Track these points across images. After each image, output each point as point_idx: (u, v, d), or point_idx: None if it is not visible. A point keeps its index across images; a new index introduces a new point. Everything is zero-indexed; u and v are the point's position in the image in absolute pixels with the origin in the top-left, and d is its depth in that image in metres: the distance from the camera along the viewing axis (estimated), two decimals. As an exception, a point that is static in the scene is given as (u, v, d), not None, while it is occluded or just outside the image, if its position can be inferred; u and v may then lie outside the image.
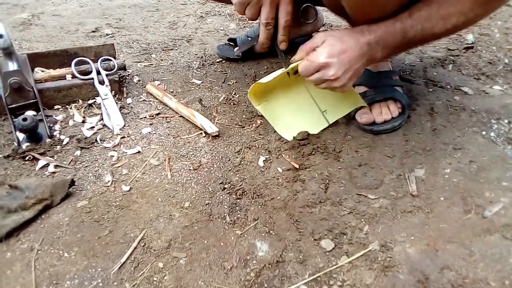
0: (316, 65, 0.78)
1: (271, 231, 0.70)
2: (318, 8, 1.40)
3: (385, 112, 0.94)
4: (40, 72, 1.06)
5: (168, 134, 0.95)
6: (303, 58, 0.81)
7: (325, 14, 1.47)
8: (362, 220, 0.72)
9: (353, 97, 0.93)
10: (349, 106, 0.95)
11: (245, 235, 0.69)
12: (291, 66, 0.84)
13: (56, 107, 1.04)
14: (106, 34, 1.53)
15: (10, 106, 0.95)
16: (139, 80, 1.18)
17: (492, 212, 0.72)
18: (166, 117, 1.01)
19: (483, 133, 0.92)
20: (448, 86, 1.11)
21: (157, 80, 1.19)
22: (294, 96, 0.94)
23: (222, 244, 0.68)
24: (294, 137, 0.91)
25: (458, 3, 0.74)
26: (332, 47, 0.77)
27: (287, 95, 0.94)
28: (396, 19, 0.77)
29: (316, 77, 0.80)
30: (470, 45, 1.35)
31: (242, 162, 0.86)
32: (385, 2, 0.75)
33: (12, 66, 0.99)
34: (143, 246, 0.68)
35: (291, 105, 0.94)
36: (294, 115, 0.94)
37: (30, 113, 0.96)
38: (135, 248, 0.67)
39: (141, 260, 0.65)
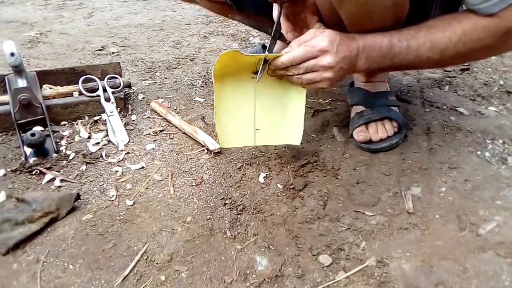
0: (317, 50, 0.75)
1: (270, 246, 0.72)
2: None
3: (381, 130, 0.97)
4: (48, 89, 1.10)
5: (171, 151, 0.98)
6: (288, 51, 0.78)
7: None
8: (359, 236, 0.74)
9: (294, 128, 0.89)
10: (283, 139, 0.92)
11: (245, 250, 0.71)
12: (273, 54, 0.80)
13: (62, 123, 1.07)
14: (112, 52, 1.58)
15: (18, 122, 0.98)
16: (143, 98, 1.22)
17: (486, 230, 0.74)
18: (170, 133, 1.04)
19: (478, 153, 0.94)
20: (445, 107, 1.14)
21: (161, 97, 1.22)
22: (241, 97, 0.88)
23: (222, 258, 0.70)
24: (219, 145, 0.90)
25: (449, 29, 0.75)
26: (332, 36, 0.76)
27: (238, 92, 0.87)
28: (386, 32, 0.79)
29: (308, 64, 0.77)
30: (466, 67, 1.39)
31: (243, 179, 0.88)
32: (381, 15, 0.77)
33: (21, 83, 1.02)
34: (146, 259, 0.69)
35: (234, 103, 0.88)
36: (230, 117, 0.88)
37: (37, 128, 0.99)
38: (138, 261, 0.69)
39: (143, 273, 0.67)
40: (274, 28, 0.86)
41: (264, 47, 1.22)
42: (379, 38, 0.78)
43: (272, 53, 0.84)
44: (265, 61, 0.81)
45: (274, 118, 0.90)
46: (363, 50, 0.78)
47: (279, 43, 0.92)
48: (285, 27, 0.88)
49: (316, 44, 0.76)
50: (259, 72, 0.82)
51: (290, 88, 0.87)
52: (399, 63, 0.80)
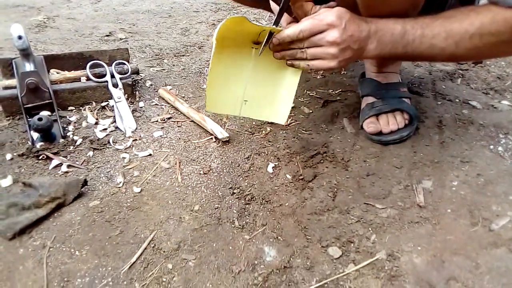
0: (324, 24, 0.72)
1: (279, 237, 0.71)
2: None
3: (392, 122, 0.95)
4: (55, 74, 1.08)
5: (179, 138, 0.97)
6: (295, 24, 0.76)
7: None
8: (370, 229, 0.72)
9: (281, 107, 0.88)
10: (269, 116, 0.90)
11: (253, 240, 0.70)
12: (279, 28, 0.78)
13: (70, 108, 1.06)
14: (120, 38, 1.56)
15: (26, 106, 0.97)
16: (151, 85, 1.20)
17: (499, 226, 0.72)
18: (178, 121, 1.03)
19: (491, 147, 0.93)
20: (457, 100, 1.12)
21: (169, 85, 1.21)
22: (237, 65, 0.85)
23: (230, 248, 0.69)
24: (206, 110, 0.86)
25: (466, 21, 0.71)
26: (341, 12, 0.73)
27: (235, 59, 0.84)
28: (399, 19, 0.76)
29: (314, 38, 0.74)
30: (479, 60, 1.36)
31: (252, 168, 0.87)
32: (397, 1, 0.75)
33: (29, 66, 1.01)
34: (153, 247, 0.69)
35: (228, 70, 0.85)
36: (222, 82, 0.85)
37: (45, 113, 0.98)
38: (145, 248, 0.68)
39: (150, 260, 0.66)
40: (282, 2, 0.83)
41: None
42: (392, 23, 0.76)
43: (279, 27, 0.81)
44: (270, 34, 0.79)
45: (264, 94, 0.89)
46: (375, 33, 0.75)
47: (286, 17, 0.89)
48: (285, 18, 0.86)
49: (324, 18, 0.73)
50: (262, 45, 0.80)
51: (287, 68, 0.85)
52: (411, 51, 0.77)
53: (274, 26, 0.79)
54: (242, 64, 0.85)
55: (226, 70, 0.84)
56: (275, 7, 0.85)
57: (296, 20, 0.84)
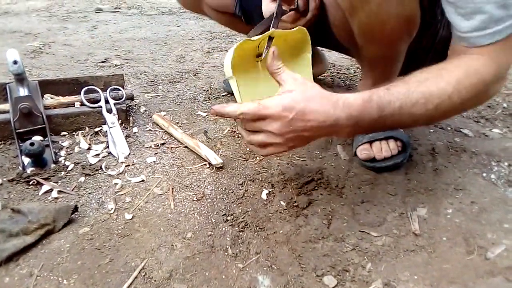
0: (266, 114, 0.65)
1: (273, 266, 0.70)
2: (323, 52, 1.45)
3: (385, 149, 0.95)
4: (49, 99, 1.08)
5: (173, 164, 0.96)
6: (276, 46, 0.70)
7: (328, 54, 1.52)
8: (365, 257, 0.71)
9: None
10: None
11: (247, 269, 0.69)
12: (278, 30, 0.76)
13: (63, 133, 1.05)
14: (115, 64, 1.58)
15: (18, 131, 0.96)
16: (145, 110, 1.20)
17: (494, 254, 0.72)
18: (171, 147, 1.03)
19: (484, 175, 0.93)
20: (449, 128, 1.14)
21: (164, 111, 1.21)
22: (252, 88, 0.82)
23: (223, 277, 0.67)
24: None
25: (441, 81, 0.67)
26: (296, 99, 0.65)
27: (249, 83, 0.81)
28: (372, 93, 0.67)
29: (256, 125, 0.68)
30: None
31: (245, 195, 0.86)
32: (393, 27, 0.74)
33: (23, 91, 1.01)
34: (144, 276, 0.67)
35: (251, 96, 0.77)
36: None
37: (37, 138, 0.97)
38: (136, 277, 0.66)
39: (141, 290, 0.64)
40: (276, 6, 0.82)
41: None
42: (368, 104, 0.66)
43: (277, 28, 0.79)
44: (270, 39, 0.75)
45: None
46: (348, 120, 0.66)
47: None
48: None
49: (269, 106, 0.65)
50: (264, 52, 0.76)
51: (294, 69, 0.78)
52: (390, 125, 0.70)
53: (273, 29, 0.77)
54: (256, 83, 0.83)
55: (249, 96, 0.79)
56: (267, 11, 0.86)
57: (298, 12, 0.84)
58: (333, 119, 0.65)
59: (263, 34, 0.75)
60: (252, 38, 0.74)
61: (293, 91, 0.66)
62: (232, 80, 0.77)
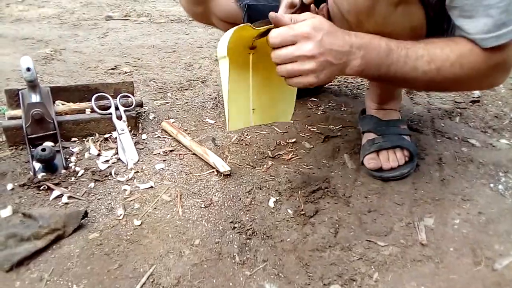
0: (295, 34, 0.67)
1: (280, 274, 0.70)
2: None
3: (392, 159, 0.96)
4: (60, 105, 1.10)
5: (181, 171, 0.97)
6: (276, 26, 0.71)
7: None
8: (372, 267, 0.72)
9: (286, 105, 0.89)
10: (275, 116, 0.93)
11: (254, 276, 0.69)
12: (263, 27, 0.73)
13: (73, 139, 1.07)
14: (125, 72, 1.60)
15: (29, 136, 0.98)
16: (154, 117, 1.22)
17: (502, 265, 0.72)
18: (180, 154, 1.04)
19: (491, 185, 0.93)
20: (456, 138, 1.14)
21: (172, 118, 1.22)
22: (242, 77, 0.82)
23: (230, 284, 0.68)
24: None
25: (446, 48, 0.72)
26: (319, 23, 0.68)
27: (239, 71, 0.82)
28: (383, 37, 0.73)
29: (287, 52, 0.68)
30: (476, 99, 1.39)
31: (253, 202, 0.87)
32: (383, 14, 0.74)
33: (35, 98, 1.03)
34: (152, 282, 0.68)
35: (237, 84, 0.82)
36: (235, 98, 0.83)
37: (48, 144, 0.99)
38: (144, 283, 0.67)
39: (149, 296, 0.65)
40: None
41: None
42: (377, 40, 0.73)
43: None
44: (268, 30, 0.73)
45: (267, 98, 0.89)
46: (359, 49, 0.71)
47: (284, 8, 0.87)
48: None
49: (297, 28, 0.67)
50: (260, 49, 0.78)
51: None
52: (394, 72, 0.74)
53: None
54: (244, 73, 0.83)
55: (237, 84, 0.81)
56: None
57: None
58: (348, 45, 0.70)
59: (266, 26, 0.73)
60: (255, 27, 0.73)
61: (316, 17, 0.70)
62: (223, 60, 0.76)
